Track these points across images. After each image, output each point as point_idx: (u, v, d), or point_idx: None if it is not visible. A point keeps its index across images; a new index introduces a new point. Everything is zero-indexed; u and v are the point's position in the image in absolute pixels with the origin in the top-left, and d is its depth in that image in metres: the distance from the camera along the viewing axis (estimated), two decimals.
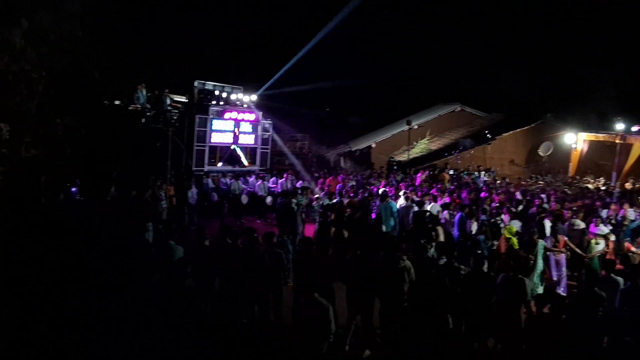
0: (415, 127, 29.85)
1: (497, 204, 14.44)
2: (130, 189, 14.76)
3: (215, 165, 21.19)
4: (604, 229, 11.92)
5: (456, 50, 37.86)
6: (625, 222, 12.91)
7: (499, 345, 8.01)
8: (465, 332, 7.93)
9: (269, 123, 23.51)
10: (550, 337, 6.62)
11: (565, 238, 11.28)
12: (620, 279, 8.07)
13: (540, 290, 10.35)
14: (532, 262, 10.39)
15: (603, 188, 20.85)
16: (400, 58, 38.65)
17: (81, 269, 9.11)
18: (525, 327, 7.33)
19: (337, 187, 17.93)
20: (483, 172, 24.48)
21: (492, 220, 12.34)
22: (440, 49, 38.14)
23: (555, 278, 11.14)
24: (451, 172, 24.28)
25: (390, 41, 37.09)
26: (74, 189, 15.07)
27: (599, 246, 11.26)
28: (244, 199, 17.93)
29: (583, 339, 6.76)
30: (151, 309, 7.86)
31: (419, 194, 16.06)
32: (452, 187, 18.96)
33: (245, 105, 22.33)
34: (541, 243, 10.67)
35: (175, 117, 21.69)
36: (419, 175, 22.39)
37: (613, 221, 13.00)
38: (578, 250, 11.26)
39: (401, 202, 14.79)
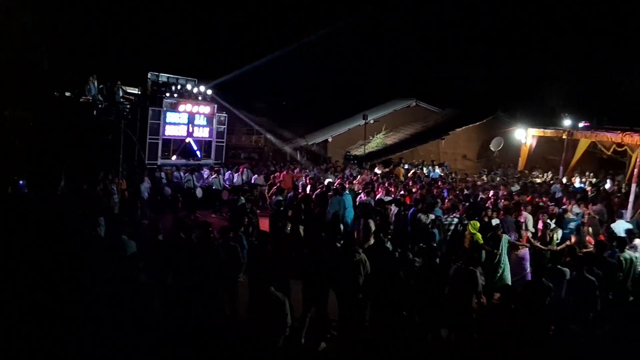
0: (372, 121, 30.07)
1: (451, 199, 14.64)
2: (81, 182, 14.40)
3: (169, 158, 20.86)
4: (550, 223, 12.40)
5: (412, 47, 38.38)
6: (566, 215, 13.31)
7: (452, 335, 8.20)
8: (419, 323, 8.07)
9: (224, 116, 23.26)
10: (500, 326, 6.81)
11: (529, 233, 11.54)
12: (567, 270, 8.37)
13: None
14: (498, 256, 10.60)
15: (551, 182, 21.43)
16: (357, 53, 38.91)
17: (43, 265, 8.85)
18: (476, 317, 7.53)
19: (300, 183, 17.82)
20: (437, 167, 24.90)
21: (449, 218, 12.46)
22: (396, 44, 38.59)
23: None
24: (406, 166, 24.61)
25: (347, 36, 37.19)
26: (21, 182, 14.57)
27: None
28: (199, 192, 17.74)
29: (531, 327, 6.98)
30: (106, 305, 7.72)
31: (380, 189, 16.13)
32: (409, 181, 19.14)
33: (200, 98, 22.03)
34: (505, 238, 10.88)
35: (127, 109, 21.25)
36: (376, 170, 22.58)
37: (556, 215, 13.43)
38: (540, 246, 11.50)
39: (362, 196, 14.84)
